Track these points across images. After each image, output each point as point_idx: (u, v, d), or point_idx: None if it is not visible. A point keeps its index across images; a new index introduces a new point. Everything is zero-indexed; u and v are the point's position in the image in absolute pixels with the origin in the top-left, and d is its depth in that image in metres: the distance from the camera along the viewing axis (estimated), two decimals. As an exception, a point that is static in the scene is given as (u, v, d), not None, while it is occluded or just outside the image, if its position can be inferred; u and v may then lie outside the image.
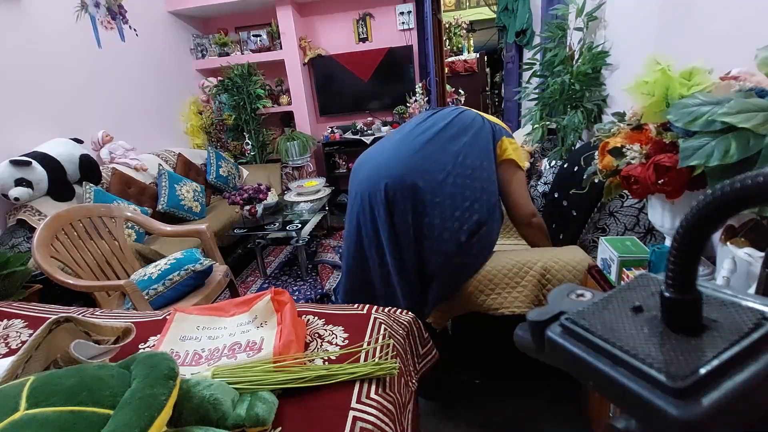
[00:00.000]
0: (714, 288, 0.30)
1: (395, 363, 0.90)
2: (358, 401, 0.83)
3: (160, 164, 2.99)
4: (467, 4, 6.43)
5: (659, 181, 0.91)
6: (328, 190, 3.22)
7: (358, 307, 1.16)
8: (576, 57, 2.01)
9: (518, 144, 1.52)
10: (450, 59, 5.26)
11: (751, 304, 0.28)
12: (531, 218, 1.47)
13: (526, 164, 1.51)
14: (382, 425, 0.80)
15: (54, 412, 0.62)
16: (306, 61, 3.98)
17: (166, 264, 1.69)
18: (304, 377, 0.85)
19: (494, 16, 3.85)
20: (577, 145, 1.93)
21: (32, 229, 2.00)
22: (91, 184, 2.39)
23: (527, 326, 0.33)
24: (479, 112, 1.56)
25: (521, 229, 1.53)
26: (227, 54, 3.92)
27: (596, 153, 1.12)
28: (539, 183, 2.12)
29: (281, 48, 3.85)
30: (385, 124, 4.06)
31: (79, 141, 2.48)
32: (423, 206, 1.33)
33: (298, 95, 3.96)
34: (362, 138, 3.85)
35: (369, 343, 0.99)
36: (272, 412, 0.79)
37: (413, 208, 1.34)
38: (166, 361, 0.74)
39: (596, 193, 1.51)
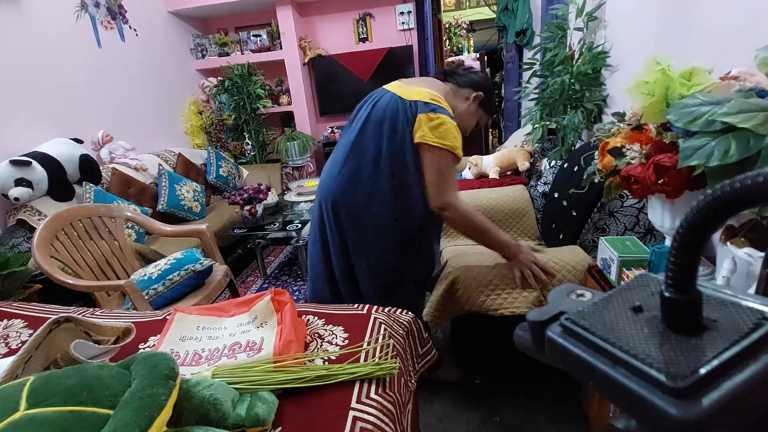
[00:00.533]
0: (714, 288, 0.30)
1: (395, 363, 0.90)
2: (358, 401, 0.83)
3: (160, 164, 2.99)
4: (467, 4, 6.43)
5: (659, 181, 0.91)
6: (328, 190, 3.22)
7: (358, 307, 1.16)
8: (576, 57, 2.01)
9: (447, 119, 1.25)
10: (450, 59, 5.26)
11: (751, 304, 0.28)
12: (441, 211, 1.29)
13: (450, 142, 1.24)
14: (382, 425, 0.80)
15: (54, 412, 0.62)
16: (306, 61, 3.98)
17: (166, 264, 1.69)
18: (304, 377, 0.85)
19: (494, 16, 3.85)
20: (577, 145, 1.93)
21: (32, 229, 2.00)
22: (91, 184, 2.39)
23: (527, 326, 0.33)
24: (398, 87, 1.35)
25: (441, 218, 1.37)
26: (227, 54, 3.92)
27: (596, 153, 1.12)
28: (539, 183, 2.12)
29: (281, 48, 3.85)
30: (385, 124, 4.06)
31: (79, 141, 2.48)
32: (355, 230, 1.36)
33: (298, 95, 3.96)
34: (362, 138, 3.85)
35: (369, 343, 0.98)
36: (272, 412, 0.79)
37: (347, 232, 1.37)
38: (166, 361, 0.74)
39: (596, 193, 1.51)
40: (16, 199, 2.04)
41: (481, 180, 2.58)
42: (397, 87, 1.36)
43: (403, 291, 1.45)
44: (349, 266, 1.42)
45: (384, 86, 1.40)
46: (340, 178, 1.36)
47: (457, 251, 1.82)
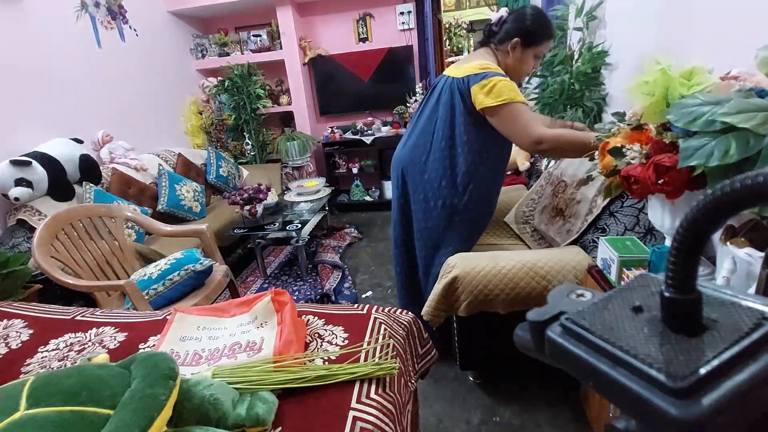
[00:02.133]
0: (714, 288, 0.30)
1: (395, 363, 0.90)
2: (358, 401, 0.83)
3: (160, 164, 2.99)
4: (467, 4, 6.42)
5: (659, 181, 0.91)
6: (328, 190, 3.22)
7: (358, 307, 1.16)
8: (576, 57, 2.01)
9: (498, 79, 1.37)
10: (450, 59, 5.26)
11: (751, 304, 0.28)
12: (537, 146, 1.38)
13: (507, 96, 1.35)
14: (382, 425, 0.80)
15: (54, 412, 0.63)
16: (306, 61, 3.98)
17: (166, 264, 1.69)
18: (304, 377, 0.85)
19: (494, 16, 3.85)
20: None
21: (32, 229, 2.00)
22: (91, 184, 2.39)
23: (527, 326, 0.33)
24: (453, 69, 1.52)
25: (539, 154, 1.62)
26: (227, 54, 3.92)
27: (596, 153, 1.12)
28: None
29: (281, 48, 3.85)
30: (385, 124, 4.06)
31: (79, 141, 2.48)
32: (414, 186, 1.59)
33: (298, 95, 3.96)
34: (362, 138, 3.85)
35: (369, 343, 0.99)
36: (272, 412, 0.80)
37: (409, 190, 1.63)
38: (166, 361, 0.74)
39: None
40: (16, 199, 2.04)
41: (481, 180, 2.58)
42: (452, 69, 1.53)
43: (441, 257, 1.57)
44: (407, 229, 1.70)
45: (444, 72, 1.59)
46: (406, 149, 1.62)
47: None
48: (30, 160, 2.10)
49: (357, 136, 3.89)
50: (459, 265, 1.39)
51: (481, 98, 1.38)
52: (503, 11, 1.49)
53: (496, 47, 1.51)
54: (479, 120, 1.44)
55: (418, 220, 1.62)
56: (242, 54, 3.92)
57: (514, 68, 1.50)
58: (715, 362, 0.24)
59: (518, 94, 1.38)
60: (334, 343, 1.01)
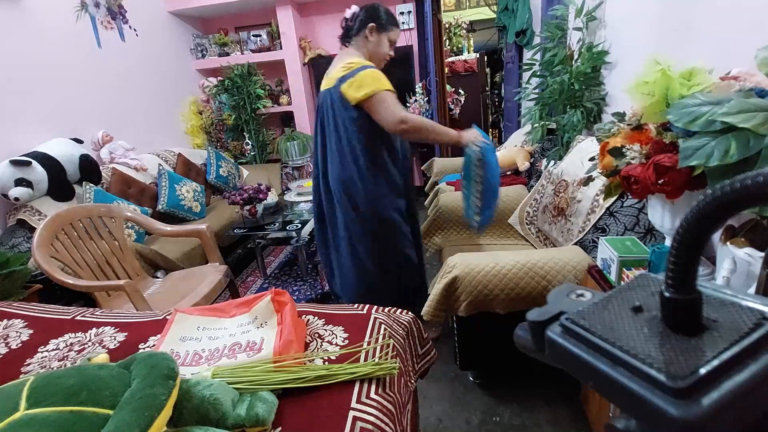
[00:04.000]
0: (714, 288, 0.30)
1: (395, 363, 0.90)
2: (358, 401, 0.83)
3: (160, 164, 2.99)
4: (467, 4, 6.42)
5: (659, 181, 0.91)
6: (328, 190, 3.21)
7: (358, 307, 1.16)
8: (575, 57, 2.01)
9: (361, 74, 1.50)
10: (450, 59, 5.25)
11: (751, 304, 0.28)
12: (400, 125, 1.49)
13: (372, 87, 1.48)
14: (382, 425, 0.80)
15: (54, 412, 0.63)
16: (306, 61, 3.98)
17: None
18: (304, 377, 0.85)
19: (494, 16, 3.85)
20: (576, 145, 1.93)
21: (32, 229, 2.00)
22: (91, 184, 2.39)
23: (527, 326, 0.33)
24: (324, 81, 1.63)
25: (401, 137, 1.64)
26: (227, 54, 3.92)
27: (596, 153, 1.12)
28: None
29: (281, 48, 3.85)
30: (385, 124, 4.06)
31: (79, 141, 2.48)
32: (352, 199, 1.67)
33: (298, 95, 3.96)
34: (362, 138, 3.85)
35: (369, 343, 0.99)
36: (272, 412, 0.79)
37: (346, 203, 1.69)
38: (166, 361, 0.74)
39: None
40: (16, 199, 2.04)
41: (481, 180, 2.57)
42: (324, 82, 1.64)
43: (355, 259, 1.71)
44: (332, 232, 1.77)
45: (322, 87, 1.68)
46: (340, 168, 1.66)
47: (457, 251, 1.82)
48: (30, 160, 2.10)
49: (357, 136, 3.89)
50: (459, 265, 1.39)
51: (351, 94, 1.51)
52: (355, 7, 1.62)
53: (355, 40, 1.63)
54: (363, 115, 1.55)
55: (342, 226, 1.70)
56: (242, 54, 3.92)
57: (375, 52, 1.63)
58: (715, 362, 0.24)
59: (382, 82, 1.51)
60: (334, 343, 1.01)
